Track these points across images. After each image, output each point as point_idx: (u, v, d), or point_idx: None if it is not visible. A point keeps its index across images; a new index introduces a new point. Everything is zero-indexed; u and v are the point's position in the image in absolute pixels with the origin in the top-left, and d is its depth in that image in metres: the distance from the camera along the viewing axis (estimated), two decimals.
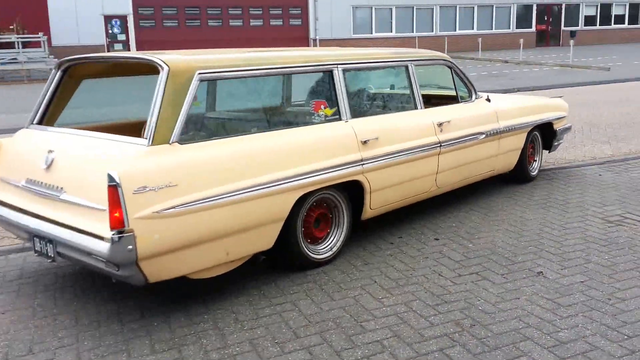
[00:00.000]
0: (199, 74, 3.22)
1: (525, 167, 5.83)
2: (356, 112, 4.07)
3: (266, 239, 3.46)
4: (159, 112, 3.02)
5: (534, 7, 34.35)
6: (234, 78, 3.52)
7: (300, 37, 30.81)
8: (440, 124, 4.55)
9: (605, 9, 36.25)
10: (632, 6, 36.74)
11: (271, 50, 4.15)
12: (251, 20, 29.38)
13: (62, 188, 3.15)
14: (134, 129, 3.65)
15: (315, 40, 30.45)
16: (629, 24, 36.93)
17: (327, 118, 3.91)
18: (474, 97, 5.17)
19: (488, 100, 5.28)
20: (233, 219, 3.20)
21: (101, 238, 2.82)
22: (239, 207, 3.20)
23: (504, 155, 5.37)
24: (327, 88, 3.98)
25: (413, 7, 31.73)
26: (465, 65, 23.20)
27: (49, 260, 3.29)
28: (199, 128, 3.58)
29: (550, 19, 34.96)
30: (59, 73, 3.83)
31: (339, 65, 3.96)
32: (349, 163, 3.79)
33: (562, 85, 16.19)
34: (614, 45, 34.20)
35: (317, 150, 3.63)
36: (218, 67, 3.35)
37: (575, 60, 22.41)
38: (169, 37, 26.62)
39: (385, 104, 4.76)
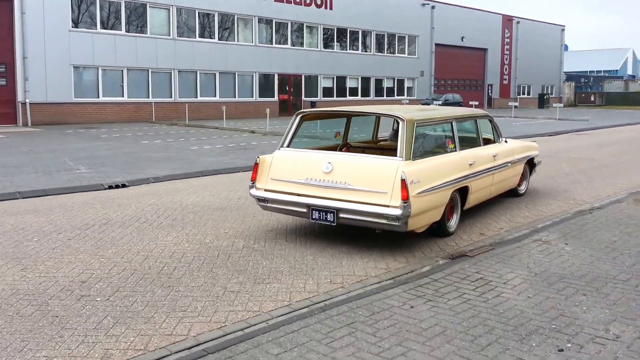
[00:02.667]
0: (417, 123, 6.32)
1: (519, 186, 9.32)
2: (461, 147, 7.14)
3: (439, 214, 6.40)
4: (404, 143, 6.03)
5: (276, 77, 34.00)
6: (430, 125, 6.86)
7: (4, 100, 24.63)
8: (494, 156, 7.84)
9: (341, 81, 38.02)
10: (364, 80, 39.34)
11: (436, 108, 8.29)
12: None
13: (346, 182, 5.98)
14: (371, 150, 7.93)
15: (25, 103, 24.59)
16: (361, 96, 39.33)
17: (450, 150, 7.02)
18: (501, 140, 8.61)
19: (506, 141, 8.75)
20: (434, 201, 6.18)
21: (388, 207, 5.71)
22: (437, 195, 6.20)
23: (513, 177, 8.78)
24: (450, 132, 7.11)
25: (148, 70, 28.23)
26: (210, 136, 20.35)
27: (328, 223, 6.09)
28: (420, 151, 6.41)
29: (292, 89, 35.01)
30: (298, 119, 6.93)
31: (454, 120, 7.14)
32: (465, 176, 6.87)
33: None
34: None
35: (456, 167, 6.75)
36: (424, 119, 6.59)
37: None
38: None
39: (468, 142, 7.54)
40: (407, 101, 41.45)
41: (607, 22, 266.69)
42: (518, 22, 52.18)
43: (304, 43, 35.56)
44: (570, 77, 65.22)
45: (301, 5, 34.65)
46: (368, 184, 5.88)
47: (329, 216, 6.03)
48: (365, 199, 5.84)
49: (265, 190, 6.54)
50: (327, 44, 37.07)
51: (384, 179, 5.82)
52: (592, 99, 60.88)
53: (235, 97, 32.00)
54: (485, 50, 49.55)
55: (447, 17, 44.54)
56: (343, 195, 5.95)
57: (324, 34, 36.62)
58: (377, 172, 5.93)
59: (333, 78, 37.32)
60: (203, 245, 6.47)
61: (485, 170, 7.40)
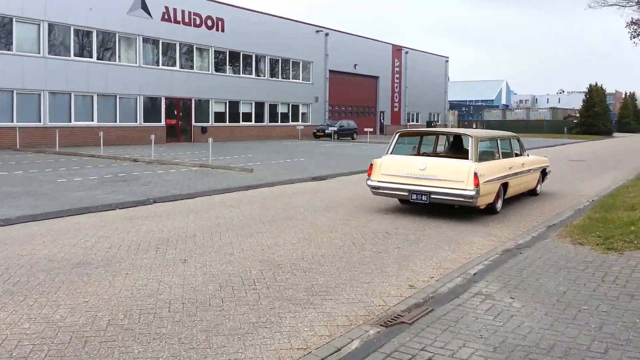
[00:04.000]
0: (480, 139, 10.11)
1: (536, 188, 12.83)
2: (503, 156, 10.96)
3: (492, 199, 9.86)
4: (473, 151, 9.67)
5: (163, 100, 31.66)
6: (485, 141, 10.95)
7: None
8: (522, 164, 11.42)
9: (234, 106, 36.35)
10: (257, 105, 38.07)
11: (487, 131, 13.33)
12: None
13: (435, 175, 9.46)
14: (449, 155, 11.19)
15: None
16: (255, 121, 37.98)
17: (497, 158, 10.76)
18: (526, 153, 12.18)
19: (528, 155, 12.33)
20: (490, 189, 9.69)
21: (465, 190, 9.20)
22: (492, 185, 9.72)
23: (533, 180, 12.32)
24: (496, 146, 11.10)
25: (13, 91, 24.89)
26: (83, 165, 17.84)
27: (422, 202, 9.64)
28: (481, 157, 9.91)
29: (181, 114, 32.80)
30: (397, 136, 10.66)
31: (498, 138, 11.26)
32: (506, 175, 10.42)
33: (209, 192, 12.61)
34: (244, 142, 34.15)
35: (502, 169, 10.38)
36: (482, 137, 10.56)
37: (213, 160, 19.68)
38: None
39: (506, 154, 11.21)
40: (302, 127, 40.72)
41: (479, 56, 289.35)
42: (407, 52, 53.89)
43: (194, 66, 33.60)
44: (453, 105, 68.63)
45: (190, 26, 32.76)
46: (451, 176, 9.46)
47: (423, 197, 9.64)
48: (449, 186, 9.41)
49: (378, 181, 10.18)
50: (219, 67, 35.38)
51: (461, 173, 9.39)
52: (475, 126, 64.26)
53: (116, 121, 29.21)
54: (377, 78, 50.45)
55: (341, 45, 44.75)
56: (433, 184, 9.56)
57: (215, 57, 34.90)
58: (457, 169, 9.52)
59: (225, 102, 35.59)
60: (50, 325, 4.66)
61: (518, 172, 11.18)
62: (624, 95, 73.60)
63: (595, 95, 55.55)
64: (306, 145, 31.99)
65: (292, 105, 41.38)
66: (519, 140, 12.07)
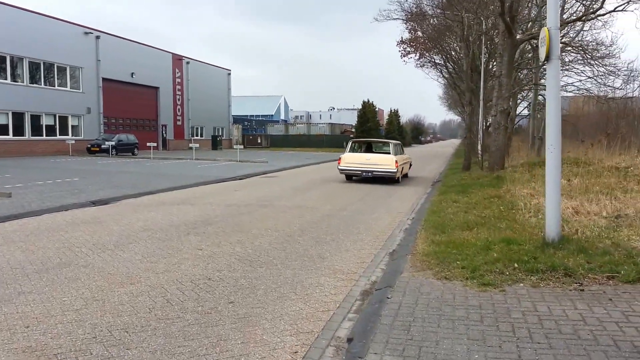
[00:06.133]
0: (393, 144, 21.15)
1: (408, 172, 22.61)
2: (403, 153, 22.17)
3: (401, 173, 20.26)
4: (392, 150, 19.98)
5: None
6: (397, 146, 21.53)
7: None
8: (405, 157, 21.88)
9: None
10: (16, 115, 31.93)
11: (392, 140, 27.77)
12: None
13: (376, 162, 19.23)
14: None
15: None
16: (13, 134, 31.78)
17: (401, 153, 21.60)
18: (404, 152, 23.12)
19: (404, 153, 22.83)
20: (400, 169, 19.77)
21: (391, 169, 18.90)
22: (400, 167, 19.75)
23: (407, 166, 22.06)
24: (400, 147, 22.38)
25: None
26: None
27: (365, 175, 19.24)
28: (395, 152, 20.42)
29: None
30: (350, 142, 21.50)
31: (398, 144, 22.41)
32: (404, 161, 21.03)
33: None
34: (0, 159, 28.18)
35: (402, 159, 20.89)
36: (393, 142, 21.76)
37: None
38: None
39: (401, 151, 21.84)
40: (73, 141, 35.62)
41: (253, 72, 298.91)
42: (188, 62, 51.43)
43: None
44: (236, 119, 68.00)
45: None
46: (384, 162, 18.93)
47: (369, 174, 18.93)
48: (383, 168, 18.80)
49: (344, 166, 19.36)
50: None
51: (389, 160, 18.93)
52: (259, 141, 64.43)
53: None
54: (157, 88, 47.00)
55: (115, 50, 40.51)
56: (375, 167, 18.82)
57: None
58: (387, 159, 19.01)
59: None
60: None
61: (406, 162, 21.09)
62: (389, 111, 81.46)
63: (368, 111, 60.02)
64: (80, 163, 27.62)
65: (59, 116, 35.97)
66: (402, 145, 23.43)
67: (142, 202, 13.27)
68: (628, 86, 26.82)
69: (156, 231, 9.45)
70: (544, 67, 30.50)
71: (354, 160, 19.37)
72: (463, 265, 6.51)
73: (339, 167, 19.38)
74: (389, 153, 19.41)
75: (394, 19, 27.88)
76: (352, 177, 20.02)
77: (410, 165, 22.74)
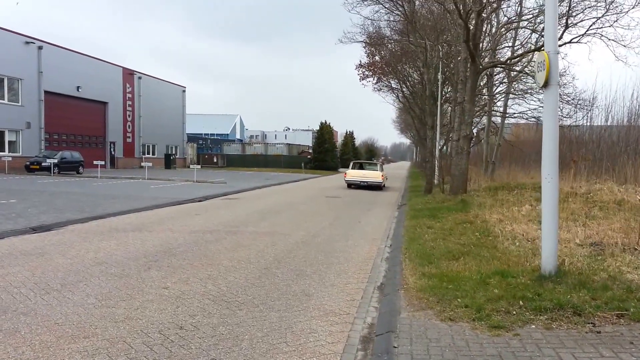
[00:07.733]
0: (379, 163, 40.08)
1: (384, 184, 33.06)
2: (383, 170, 33.67)
3: (384, 184, 31.40)
4: (379, 167, 33.70)
5: None
6: (379, 164, 38.99)
7: None
8: (382, 173, 31.30)
9: None
10: None
11: (377, 161, 49.53)
12: None
13: (368, 176, 30.22)
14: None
15: None
16: None
17: (382, 170, 33.37)
18: (383, 169, 34.50)
19: (383, 170, 33.83)
20: (385, 181, 31.79)
21: (379, 180, 29.85)
22: (385, 179, 31.54)
23: (385, 180, 32.19)
24: (381, 166, 36.25)
25: None
26: None
27: (362, 184, 29.69)
28: (381, 169, 34.21)
29: None
30: (352, 163, 34.78)
31: (381, 163, 42.72)
32: (385, 176, 32.78)
33: None
34: None
35: (384, 174, 32.22)
36: (378, 163, 42.99)
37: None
38: None
39: (382, 169, 33.91)
40: (10, 158, 33.11)
41: (208, 91, 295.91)
42: (140, 78, 49.39)
43: None
44: (191, 138, 65.99)
45: None
46: (374, 176, 29.90)
47: (364, 183, 29.47)
48: (374, 180, 29.61)
49: (349, 179, 30.04)
50: None
51: (377, 175, 30.06)
52: (215, 160, 62.52)
53: None
54: (105, 104, 44.74)
55: (60, 62, 38.28)
56: (367, 179, 29.66)
57: None
58: (375, 174, 30.15)
59: None
60: None
61: (385, 175, 32.85)
62: (345, 133, 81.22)
63: (325, 132, 59.37)
64: (17, 182, 25.41)
65: None
66: (382, 165, 38.59)
67: (90, 229, 11.73)
68: (577, 114, 27.43)
69: (111, 265, 8.05)
70: (506, 92, 31.21)
71: (355, 174, 30.15)
72: (465, 303, 5.88)
73: (346, 179, 30.03)
74: (377, 170, 31.51)
75: (358, 41, 27.89)
76: (352, 185, 29.82)
77: (387, 178, 33.71)
